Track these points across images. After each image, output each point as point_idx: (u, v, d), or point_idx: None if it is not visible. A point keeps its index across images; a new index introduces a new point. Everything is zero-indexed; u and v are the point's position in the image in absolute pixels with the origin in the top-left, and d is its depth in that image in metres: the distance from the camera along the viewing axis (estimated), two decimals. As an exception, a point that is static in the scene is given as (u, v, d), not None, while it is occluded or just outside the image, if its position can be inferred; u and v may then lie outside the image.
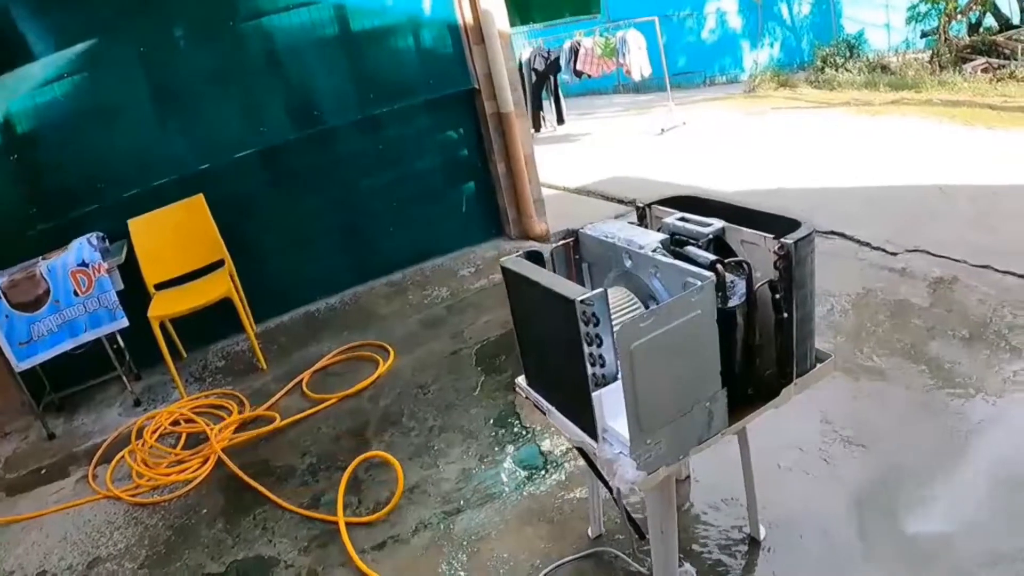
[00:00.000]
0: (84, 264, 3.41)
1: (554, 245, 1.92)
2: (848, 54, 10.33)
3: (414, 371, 3.43)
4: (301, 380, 3.57)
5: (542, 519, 2.30)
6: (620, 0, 11.35)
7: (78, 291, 3.43)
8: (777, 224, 1.63)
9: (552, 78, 8.96)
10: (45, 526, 2.96)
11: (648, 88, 10.53)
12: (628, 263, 1.69)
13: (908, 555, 1.93)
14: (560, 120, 9.26)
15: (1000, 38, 9.41)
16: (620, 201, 5.50)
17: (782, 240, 1.52)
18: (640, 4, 10.42)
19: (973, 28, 10.24)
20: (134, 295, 3.78)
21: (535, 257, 1.88)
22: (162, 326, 3.80)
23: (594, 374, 1.46)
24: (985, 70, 8.70)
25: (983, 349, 2.81)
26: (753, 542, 2.05)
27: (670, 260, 1.55)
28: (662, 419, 1.44)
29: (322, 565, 2.38)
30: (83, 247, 3.44)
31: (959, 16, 9.79)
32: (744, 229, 1.65)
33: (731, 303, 1.47)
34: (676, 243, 1.73)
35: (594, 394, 1.47)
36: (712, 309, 1.42)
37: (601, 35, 8.21)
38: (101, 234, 3.66)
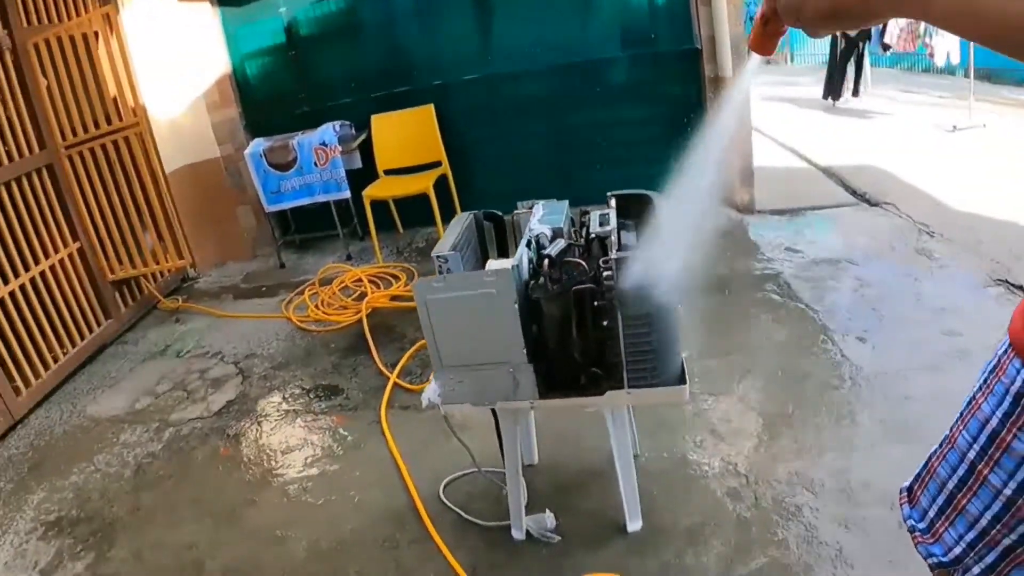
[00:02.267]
0: (324, 144, 4.48)
1: (516, 212, 2.30)
2: None
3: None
4: (457, 274, 4.30)
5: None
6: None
7: (317, 163, 4.52)
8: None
9: (861, 45, 8.15)
10: (241, 326, 4.17)
11: (1003, 77, 8.91)
12: (529, 239, 2.05)
13: None
14: (855, 92, 8.43)
15: None
16: (853, 192, 5.18)
17: (612, 254, 1.76)
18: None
19: None
20: (371, 174, 4.81)
21: (493, 218, 2.31)
22: (383, 205, 4.79)
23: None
24: None
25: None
26: (621, 530, 2.19)
27: (520, 246, 1.90)
28: (459, 362, 1.85)
29: (366, 404, 3.15)
30: (327, 131, 4.51)
31: None
32: (615, 241, 1.88)
33: (536, 294, 1.79)
34: (577, 234, 2.05)
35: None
36: (510, 292, 1.75)
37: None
38: (348, 123, 4.71)
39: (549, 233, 1.98)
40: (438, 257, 1.86)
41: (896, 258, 4.02)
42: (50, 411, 3.61)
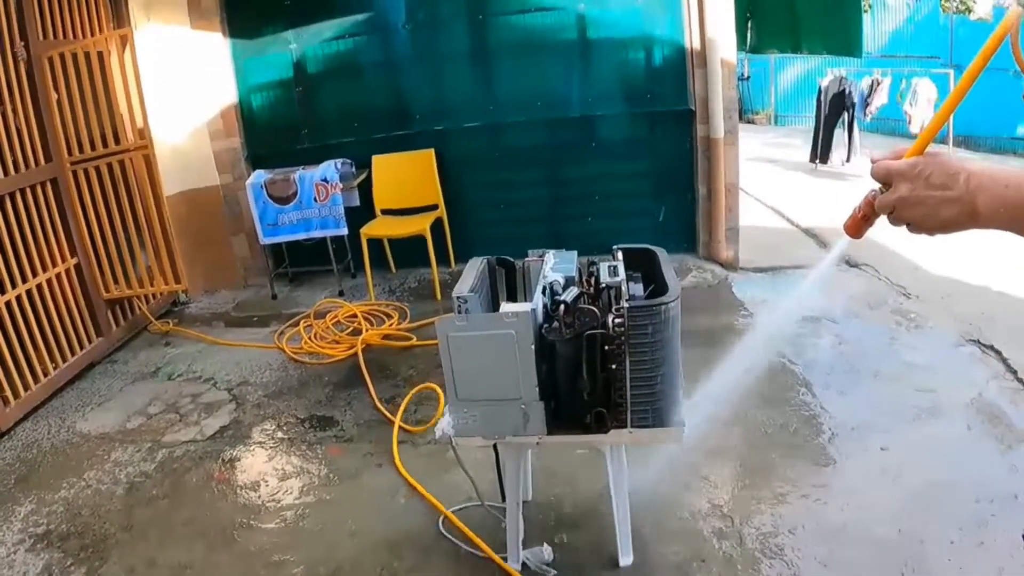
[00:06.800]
0: (325, 180, 4.60)
1: (527, 259, 2.42)
2: None
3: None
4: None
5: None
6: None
7: (317, 199, 4.63)
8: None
9: (849, 111, 8.55)
10: (233, 353, 4.22)
11: (981, 145, 9.34)
12: (543, 285, 2.16)
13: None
14: (847, 158, 8.78)
15: None
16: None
17: (623, 303, 1.89)
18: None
19: None
20: (368, 212, 4.92)
21: (505, 264, 2.43)
22: (378, 244, 4.89)
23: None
24: None
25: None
26: (613, 564, 2.28)
27: (537, 292, 2.02)
28: (473, 397, 1.95)
29: (361, 437, 3.22)
30: (329, 168, 4.63)
31: None
32: (625, 291, 2.00)
33: (551, 336, 1.90)
34: (587, 283, 2.17)
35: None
36: (528, 334, 1.87)
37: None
38: (349, 161, 4.83)
39: (562, 281, 2.10)
40: (458, 298, 1.96)
41: (873, 317, 4.20)
42: (38, 424, 3.62)
